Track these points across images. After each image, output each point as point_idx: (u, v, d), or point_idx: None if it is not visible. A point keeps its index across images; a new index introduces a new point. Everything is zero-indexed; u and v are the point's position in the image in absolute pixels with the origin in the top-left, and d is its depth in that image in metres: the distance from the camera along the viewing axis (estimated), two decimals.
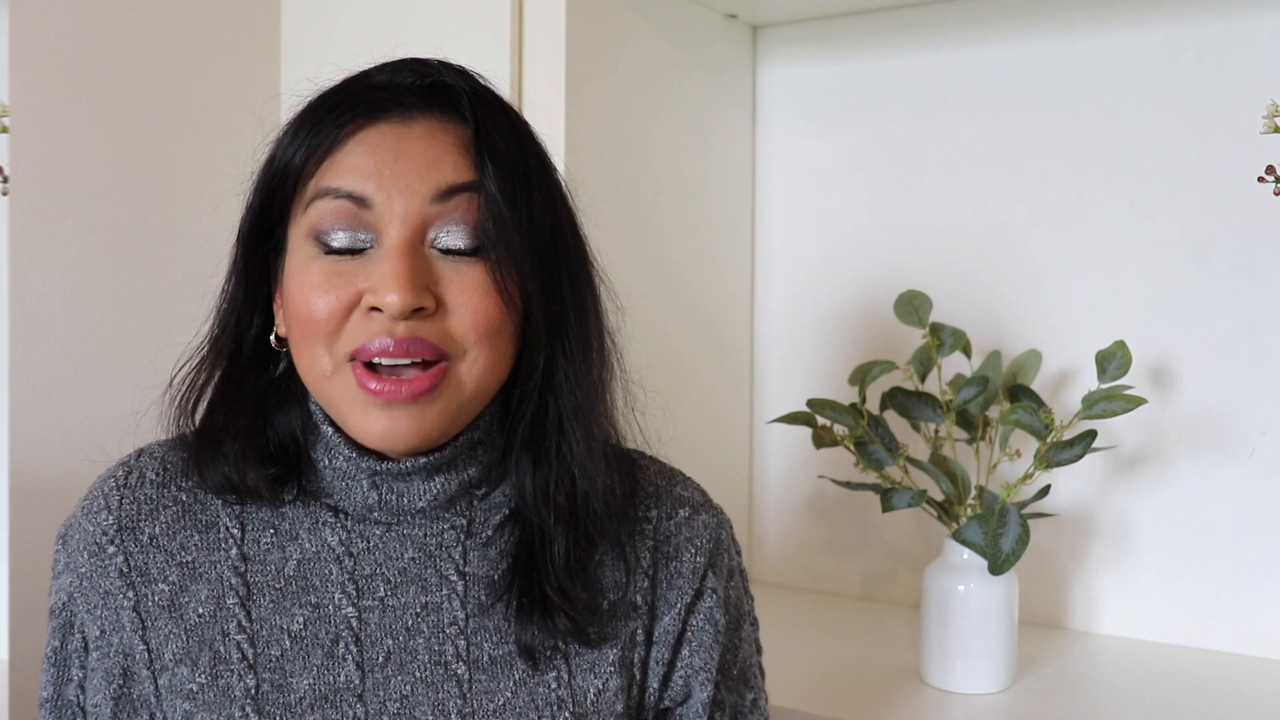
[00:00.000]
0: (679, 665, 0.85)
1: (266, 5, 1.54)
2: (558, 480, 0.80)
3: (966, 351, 1.33)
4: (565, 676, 0.80)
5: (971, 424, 1.31)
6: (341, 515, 0.80)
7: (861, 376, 1.31)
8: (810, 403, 1.30)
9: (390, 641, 0.78)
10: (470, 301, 0.74)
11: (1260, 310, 1.35)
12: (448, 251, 0.75)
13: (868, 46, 1.60)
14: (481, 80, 0.80)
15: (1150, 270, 1.41)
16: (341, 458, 0.79)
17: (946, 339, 1.30)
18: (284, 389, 0.82)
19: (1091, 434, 1.20)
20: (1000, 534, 1.18)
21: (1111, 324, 1.40)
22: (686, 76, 1.55)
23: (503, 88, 0.82)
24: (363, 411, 0.75)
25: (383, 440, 0.75)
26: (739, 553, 0.91)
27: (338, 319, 0.74)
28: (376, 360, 0.74)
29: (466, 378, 0.76)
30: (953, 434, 1.31)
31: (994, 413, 1.32)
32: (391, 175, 0.74)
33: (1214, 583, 1.38)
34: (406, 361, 0.73)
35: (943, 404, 1.30)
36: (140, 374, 1.34)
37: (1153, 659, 1.36)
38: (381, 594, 0.79)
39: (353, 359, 0.74)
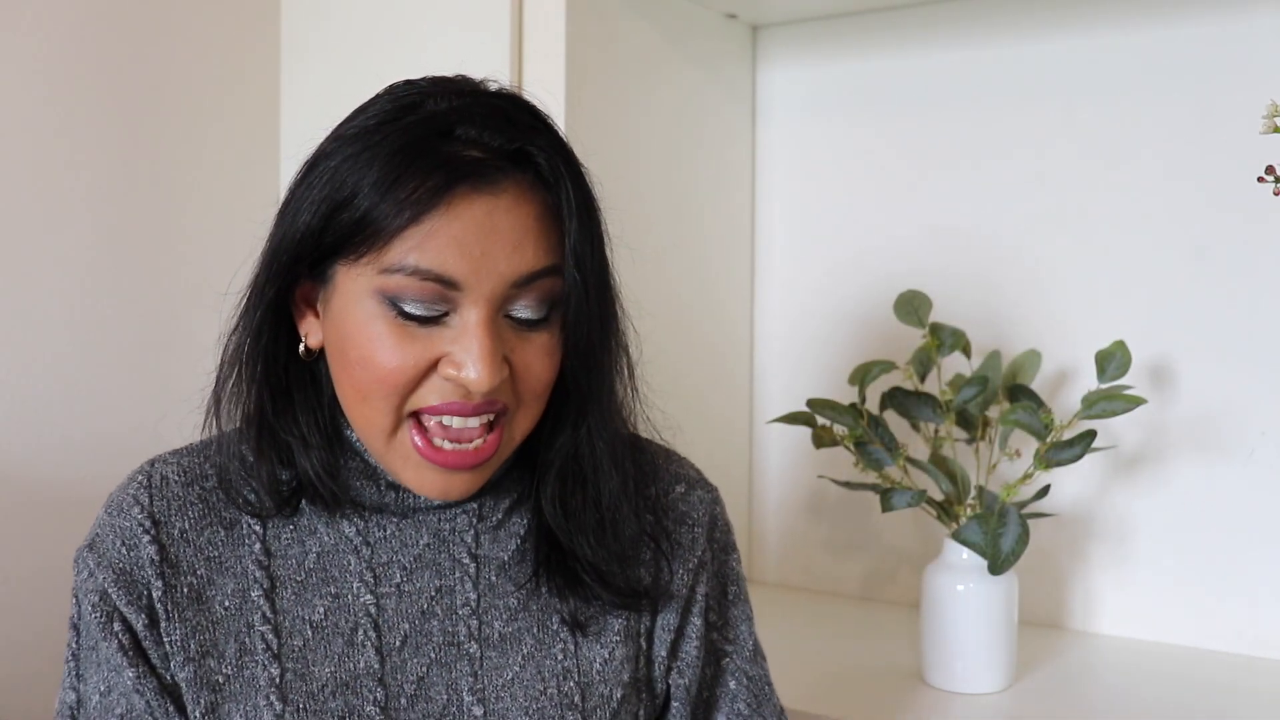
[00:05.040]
0: (688, 633, 0.89)
1: (266, 5, 1.54)
2: (588, 508, 0.84)
3: (966, 351, 1.33)
4: (571, 647, 0.84)
5: (971, 424, 1.31)
6: (358, 507, 0.83)
7: (861, 376, 1.31)
8: (810, 403, 1.30)
9: (406, 625, 0.82)
10: (534, 366, 0.78)
11: (1260, 311, 1.35)
12: (521, 321, 0.77)
13: (868, 46, 1.60)
14: (547, 119, 0.81)
15: (1150, 270, 1.41)
16: (359, 460, 0.83)
17: (946, 339, 1.30)
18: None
19: (1091, 434, 1.20)
20: (1000, 534, 1.18)
21: (1111, 324, 1.40)
22: (686, 76, 1.55)
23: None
24: (416, 469, 0.78)
25: (439, 495, 0.79)
26: (733, 532, 0.95)
27: (412, 380, 0.76)
28: (435, 419, 0.76)
29: (517, 431, 0.80)
30: (952, 434, 1.31)
31: (994, 413, 1.32)
32: (482, 256, 0.74)
33: (1213, 583, 1.38)
34: (475, 423, 0.77)
35: (942, 404, 1.30)
36: (138, 374, 1.34)
37: (1152, 659, 1.36)
38: (398, 580, 0.82)
39: (414, 414, 0.77)
